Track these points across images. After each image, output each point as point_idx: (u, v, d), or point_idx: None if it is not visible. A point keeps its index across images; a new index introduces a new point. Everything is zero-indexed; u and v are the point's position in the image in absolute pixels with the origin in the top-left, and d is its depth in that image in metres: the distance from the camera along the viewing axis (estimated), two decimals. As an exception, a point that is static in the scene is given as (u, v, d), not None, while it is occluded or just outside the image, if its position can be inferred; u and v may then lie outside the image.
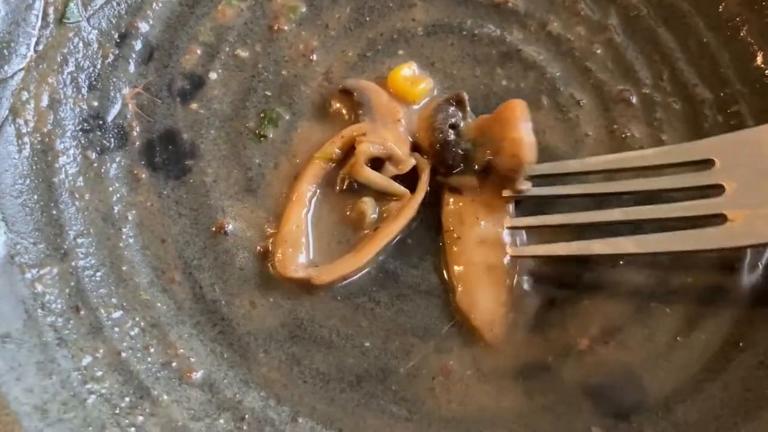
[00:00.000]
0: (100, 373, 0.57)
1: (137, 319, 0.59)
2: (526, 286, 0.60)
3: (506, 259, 0.60)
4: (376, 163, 0.62)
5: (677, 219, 0.59)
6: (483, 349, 0.59)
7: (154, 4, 0.67)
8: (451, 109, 0.62)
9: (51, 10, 0.65)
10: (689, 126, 0.65)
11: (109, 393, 0.57)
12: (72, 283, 0.60)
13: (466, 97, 0.63)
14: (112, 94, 0.65)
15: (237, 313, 0.60)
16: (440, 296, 0.60)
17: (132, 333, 0.59)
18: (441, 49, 0.67)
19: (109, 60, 0.66)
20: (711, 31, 0.66)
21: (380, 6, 0.69)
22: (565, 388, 0.58)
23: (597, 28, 0.68)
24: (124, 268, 0.61)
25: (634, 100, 0.65)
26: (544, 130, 0.64)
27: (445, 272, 0.61)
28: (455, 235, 0.61)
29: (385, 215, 0.62)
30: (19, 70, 0.63)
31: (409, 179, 0.62)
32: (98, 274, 0.60)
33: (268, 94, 0.66)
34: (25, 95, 0.63)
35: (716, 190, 0.58)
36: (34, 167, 0.62)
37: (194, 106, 0.66)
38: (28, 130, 0.62)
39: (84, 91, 0.65)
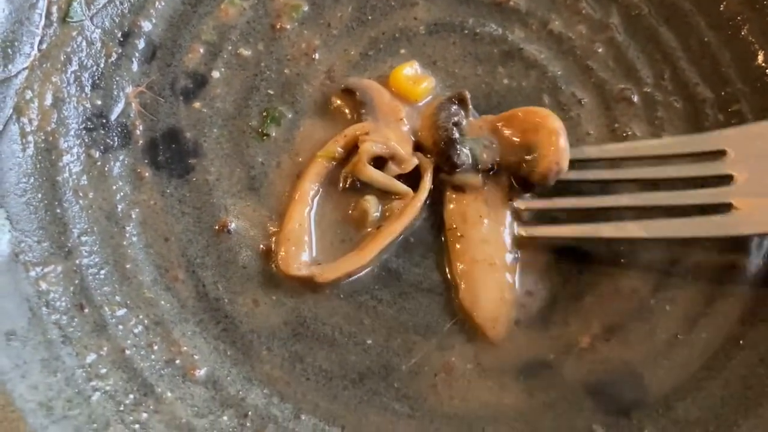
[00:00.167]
0: (104, 371, 0.57)
1: (141, 316, 0.60)
2: (527, 284, 0.60)
3: (508, 258, 0.60)
4: (379, 162, 0.62)
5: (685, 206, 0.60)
6: (484, 346, 0.59)
7: (157, 3, 0.68)
8: (454, 107, 0.62)
9: (54, 9, 0.65)
10: (690, 125, 0.65)
11: (113, 390, 0.57)
12: (76, 281, 0.60)
13: (468, 95, 0.63)
14: (116, 93, 0.65)
15: (240, 311, 0.60)
16: (442, 294, 0.61)
17: (136, 330, 0.59)
18: (443, 48, 0.67)
19: (113, 59, 0.66)
20: (712, 30, 0.67)
21: (382, 5, 0.69)
22: (567, 385, 0.58)
23: (598, 27, 0.68)
24: (127, 266, 0.61)
25: (635, 98, 0.65)
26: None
27: (447, 270, 0.61)
28: (458, 233, 0.61)
29: (387, 214, 0.62)
30: (23, 69, 0.63)
31: (412, 178, 0.62)
32: (102, 272, 0.61)
33: (271, 92, 0.66)
34: (29, 94, 0.63)
35: (725, 179, 0.60)
36: (38, 166, 0.62)
37: (197, 104, 0.66)
38: (32, 128, 0.62)
39: (87, 89, 0.65)
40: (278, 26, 0.68)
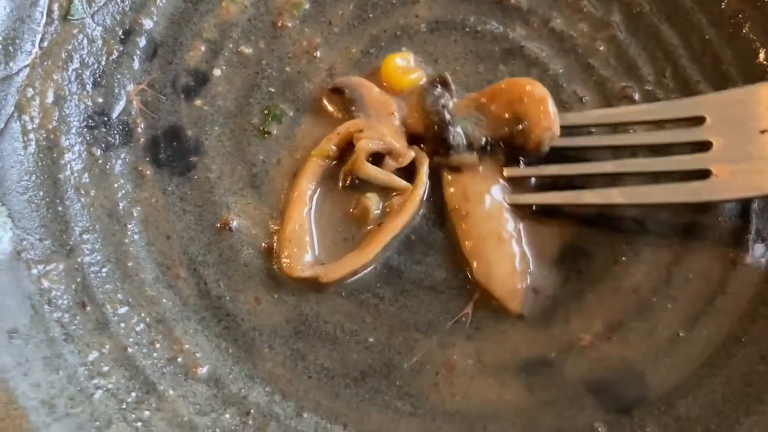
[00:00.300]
0: (106, 369, 0.57)
1: (143, 314, 0.60)
2: (529, 282, 0.61)
3: (513, 227, 0.61)
4: (377, 158, 0.62)
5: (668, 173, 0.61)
6: (486, 343, 0.59)
7: (158, 1, 0.68)
8: (438, 90, 0.62)
9: (55, 6, 0.65)
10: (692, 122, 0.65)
11: (115, 388, 0.57)
12: (78, 279, 0.60)
13: (449, 76, 0.63)
14: (117, 91, 0.65)
15: (242, 309, 0.60)
16: (443, 292, 0.61)
17: (138, 329, 0.59)
18: (444, 46, 0.67)
19: (114, 57, 0.66)
20: (713, 28, 0.67)
21: (383, 2, 0.69)
22: (568, 383, 0.58)
23: (600, 24, 0.68)
24: (129, 264, 0.61)
25: (636, 96, 0.65)
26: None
27: (461, 251, 0.61)
28: (462, 212, 0.61)
29: (387, 210, 0.62)
30: (25, 66, 0.63)
31: (408, 172, 0.62)
32: (104, 270, 0.61)
33: (272, 90, 0.66)
34: (30, 92, 0.63)
35: (705, 145, 0.61)
36: (39, 164, 0.62)
37: (198, 102, 0.66)
38: (34, 126, 0.62)
39: (89, 87, 0.65)
40: (279, 24, 0.68)
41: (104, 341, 0.58)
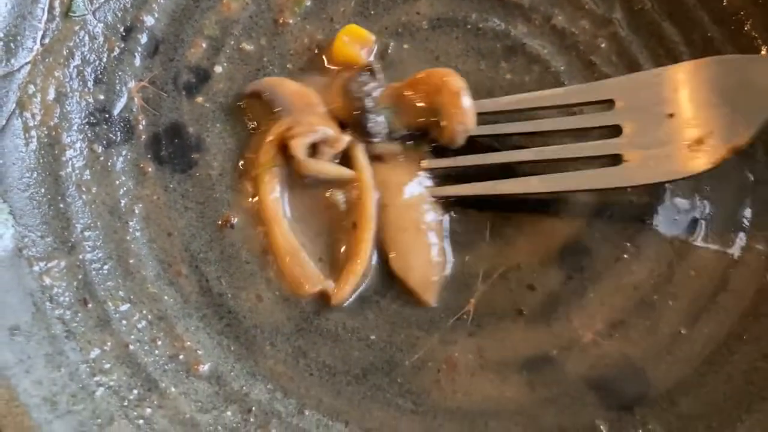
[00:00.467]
0: (108, 366, 0.57)
1: (144, 311, 0.60)
2: (529, 279, 0.61)
3: (433, 218, 0.61)
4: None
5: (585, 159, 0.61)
6: (488, 340, 0.59)
7: (160, -2, 0.68)
8: (363, 77, 0.63)
9: (57, 3, 0.65)
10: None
11: (117, 385, 0.57)
12: (80, 276, 0.60)
13: (375, 65, 0.63)
14: (118, 88, 0.65)
15: (243, 306, 0.60)
16: (445, 289, 0.61)
17: (139, 326, 0.59)
18: (446, 43, 0.67)
19: (115, 53, 0.66)
20: (715, 25, 0.66)
21: (384, -1, 0.69)
22: (570, 380, 0.58)
23: (601, 21, 0.68)
24: (131, 261, 0.61)
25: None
26: (549, 124, 0.64)
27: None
28: (382, 202, 0.61)
29: (349, 205, 0.61)
30: (26, 63, 0.63)
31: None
32: (105, 267, 0.61)
33: (274, 87, 0.66)
34: (31, 88, 0.63)
35: (617, 131, 0.61)
36: (41, 161, 0.62)
37: (200, 99, 0.66)
38: (35, 123, 0.62)
39: (90, 84, 0.65)
40: (281, 21, 0.68)
41: (106, 338, 0.58)
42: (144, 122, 0.65)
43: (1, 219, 0.59)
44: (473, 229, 0.62)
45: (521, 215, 0.63)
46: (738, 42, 0.66)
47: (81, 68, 0.65)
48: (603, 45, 0.67)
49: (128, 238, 0.62)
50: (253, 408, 0.58)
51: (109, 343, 0.58)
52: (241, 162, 0.64)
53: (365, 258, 0.60)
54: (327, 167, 0.61)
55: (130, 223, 0.62)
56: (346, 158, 0.62)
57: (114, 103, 0.65)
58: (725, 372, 0.58)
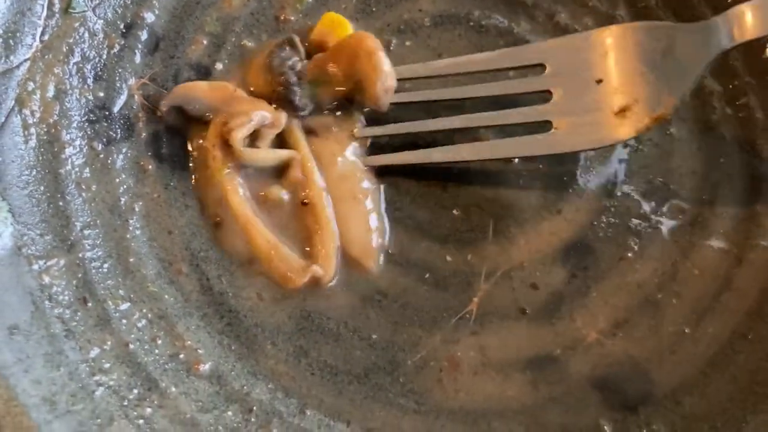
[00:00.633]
0: (107, 365, 0.57)
1: (144, 310, 0.59)
2: (532, 278, 0.60)
3: (368, 185, 0.61)
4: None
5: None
6: (491, 340, 0.59)
7: (160, -6, 0.67)
8: (285, 52, 0.62)
9: (56, -1, 0.65)
10: (697, 118, 0.64)
11: (117, 385, 0.57)
12: (79, 275, 0.59)
13: (297, 39, 0.63)
14: (118, 85, 0.65)
15: (244, 305, 0.60)
16: (447, 289, 0.60)
17: (139, 325, 0.59)
18: (448, 40, 0.67)
19: (115, 50, 0.65)
20: (720, 23, 0.66)
21: (386, -4, 0.69)
22: (573, 380, 0.58)
23: (605, 19, 0.67)
24: (131, 259, 0.61)
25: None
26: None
27: None
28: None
29: (293, 187, 0.61)
30: (25, 60, 0.63)
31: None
32: (105, 265, 0.60)
33: (275, 84, 0.66)
34: (31, 85, 0.62)
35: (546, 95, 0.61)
36: (40, 158, 0.62)
37: (200, 96, 0.65)
38: (35, 120, 0.62)
39: (90, 81, 0.64)
40: (282, 18, 0.67)
41: (106, 338, 0.58)
42: (144, 120, 0.64)
43: (0, 217, 0.59)
44: (476, 227, 0.62)
45: (524, 214, 0.62)
46: (742, 40, 0.66)
47: (81, 65, 0.64)
48: (606, 42, 0.67)
49: (128, 236, 0.61)
50: (254, 408, 0.57)
51: (108, 343, 0.58)
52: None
53: (331, 228, 0.60)
54: (265, 154, 0.61)
55: (130, 222, 0.62)
56: (279, 137, 0.62)
57: (114, 100, 0.64)
58: (730, 372, 0.58)
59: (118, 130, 0.64)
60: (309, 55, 0.63)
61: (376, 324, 0.60)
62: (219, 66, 0.66)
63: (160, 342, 0.59)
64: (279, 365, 0.59)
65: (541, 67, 0.62)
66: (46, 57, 0.63)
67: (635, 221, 0.62)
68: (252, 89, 0.63)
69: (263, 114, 0.61)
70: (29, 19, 0.63)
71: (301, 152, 0.61)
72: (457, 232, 0.62)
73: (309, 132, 0.63)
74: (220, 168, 0.61)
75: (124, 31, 0.66)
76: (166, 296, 0.60)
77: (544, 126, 0.61)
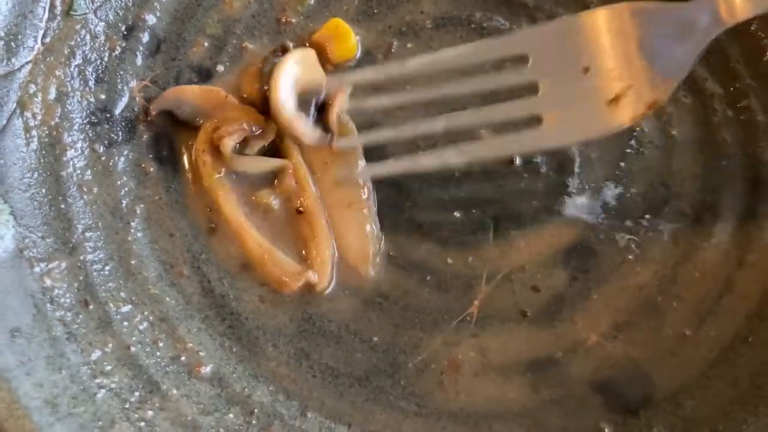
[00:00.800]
0: (109, 368, 0.57)
1: (146, 313, 0.59)
2: (533, 280, 0.60)
3: (364, 193, 0.61)
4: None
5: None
6: (491, 342, 0.59)
7: (161, -4, 0.67)
8: (278, 59, 0.63)
9: (58, 2, 0.64)
10: (699, 120, 0.64)
11: (118, 387, 0.57)
12: (81, 278, 0.59)
13: (291, 46, 0.63)
14: (120, 87, 0.65)
15: (246, 308, 0.60)
16: (448, 291, 0.60)
17: (141, 327, 0.59)
18: (450, 42, 0.67)
19: (117, 53, 0.65)
20: (721, 25, 0.66)
21: (388, -2, 0.69)
22: (574, 382, 0.58)
23: (606, 20, 0.67)
24: (132, 262, 0.61)
25: (644, 96, 0.65)
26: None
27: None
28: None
29: (285, 196, 0.61)
30: (27, 62, 0.63)
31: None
32: (107, 268, 0.60)
33: (276, 86, 0.66)
34: (32, 88, 0.62)
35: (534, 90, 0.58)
36: (42, 161, 0.62)
37: (202, 99, 0.65)
38: (36, 123, 0.62)
39: (91, 83, 0.64)
40: (284, 20, 0.67)
41: (107, 340, 0.58)
42: (146, 122, 0.64)
43: (1, 220, 0.59)
44: (477, 230, 0.62)
45: (525, 216, 0.62)
46: (744, 42, 0.65)
47: (82, 67, 0.64)
48: (608, 44, 0.67)
49: (129, 238, 0.61)
50: (256, 410, 0.58)
51: (110, 345, 0.58)
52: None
53: (326, 235, 0.60)
54: (256, 162, 0.61)
55: (132, 224, 0.62)
56: (270, 143, 0.62)
57: (115, 102, 0.64)
58: (731, 375, 0.58)
59: (120, 133, 0.64)
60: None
61: (377, 326, 0.60)
62: (220, 68, 0.66)
63: (161, 344, 0.59)
64: (280, 368, 0.59)
65: (525, 58, 0.58)
66: (48, 59, 0.63)
67: (636, 224, 0.62)
68: (245, 96, 0.63)
69: (254, 124, 0.61)
70: (31, 22, 0.63)
71: (293, 160, 0.61)
72: (458, 234, 0.62)
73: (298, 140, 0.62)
74: (210, 173, 0.61)
75: (125, 33, 0.66)
76: (168, 299, 0.60)
77: (534, 121, 0.58)
